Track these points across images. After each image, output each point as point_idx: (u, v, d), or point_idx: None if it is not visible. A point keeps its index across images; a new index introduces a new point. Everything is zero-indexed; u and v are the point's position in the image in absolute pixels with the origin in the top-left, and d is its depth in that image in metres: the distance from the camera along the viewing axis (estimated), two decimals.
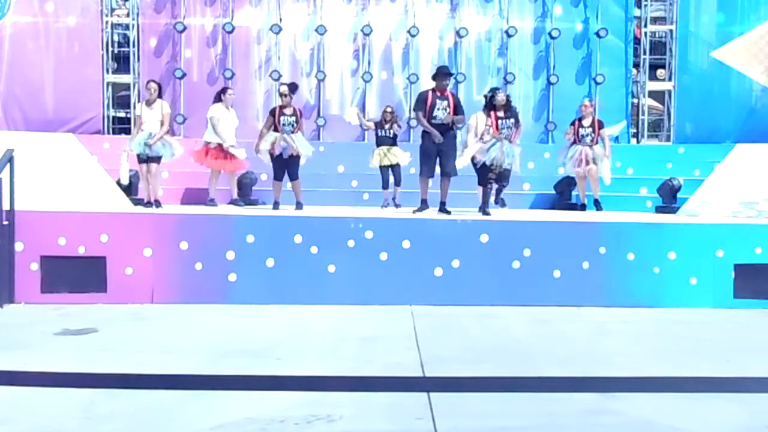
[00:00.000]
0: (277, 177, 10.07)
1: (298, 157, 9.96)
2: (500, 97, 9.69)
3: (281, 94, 10.14)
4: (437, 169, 9.65)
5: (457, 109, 9.54)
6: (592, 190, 11.09)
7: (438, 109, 9.44)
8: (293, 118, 9.96)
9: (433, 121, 9.46)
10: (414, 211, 9.56)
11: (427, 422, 4.47)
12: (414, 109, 9.45)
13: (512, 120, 9.71)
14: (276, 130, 9.91)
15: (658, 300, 8.25)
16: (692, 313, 8.03)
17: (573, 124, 11.17)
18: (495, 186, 9.85)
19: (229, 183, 11.21)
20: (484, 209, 9.59)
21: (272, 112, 10.13)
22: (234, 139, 11.01)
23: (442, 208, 9.53)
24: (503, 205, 10.79)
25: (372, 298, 8.14)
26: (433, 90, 9.55)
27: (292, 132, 9.90)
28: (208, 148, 10.99)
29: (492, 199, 9.95)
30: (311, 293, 8.16)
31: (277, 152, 9.84)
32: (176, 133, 12.81)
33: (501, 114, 9.64)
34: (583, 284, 8.27)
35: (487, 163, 9.48)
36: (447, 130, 9.46)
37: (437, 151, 9.48)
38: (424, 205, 9.69)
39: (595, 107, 11.72)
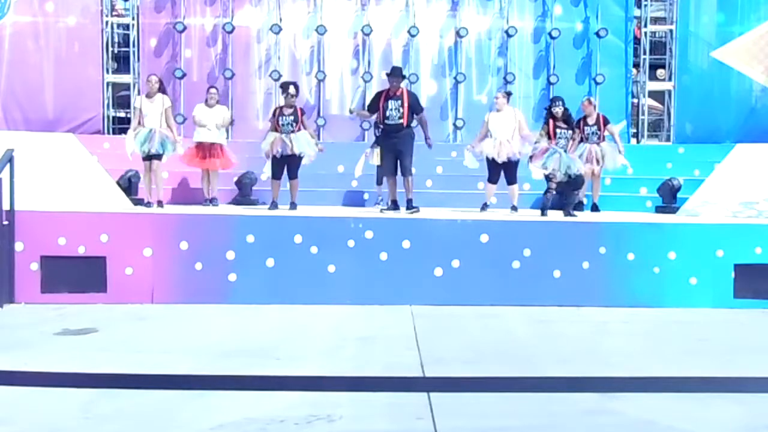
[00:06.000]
0: (276, 176, 10.07)
1: (298, 156, 9.97)
2: (557, 110, 9.85)
3: (289, 95, 10.11)
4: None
5: (414, 108, 9.71)
6: (593, 192, 11.04)
7: (390, 110, 9.59)
8: (292, 118, 9.98)
9: (387, 121, 9.65)
10: (382, 210, 9.80)
11: (427, 422, 4.47)
12: (355, 108, 9.69)
13: (570, 131, 9.87)
14: (275, 130, 9.95)
15: (658, 300, 8.25)
16: (692, 313, 8.03)
17: (578, 125, 10.72)
18: (553, 194, 9.86)
19: (211, 181, 10.95)
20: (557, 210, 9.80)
21: (273, 113, 10.21)
22: (212, 135, 10.76)
23: (410, 206, 9.65)
24: (515, 209, 10.43)
25: (372, 298, 8.14)
26: (387, 90, 9.71)
27: (292, 131, 9.91)
28: (192, 148, 10.90)
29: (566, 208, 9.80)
30: (311, 293, 8.16)
31: (273, 152, 9.89)
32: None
33: (561, 124, 9.81)
34: (583, 284, 8.27)
35: (546, 173, 9.69)
36: (400, 129, 9.60)
37: (395, 150, 9.65)
38: (394, 205, 9.80)
39: (596, 105, 11.67)
